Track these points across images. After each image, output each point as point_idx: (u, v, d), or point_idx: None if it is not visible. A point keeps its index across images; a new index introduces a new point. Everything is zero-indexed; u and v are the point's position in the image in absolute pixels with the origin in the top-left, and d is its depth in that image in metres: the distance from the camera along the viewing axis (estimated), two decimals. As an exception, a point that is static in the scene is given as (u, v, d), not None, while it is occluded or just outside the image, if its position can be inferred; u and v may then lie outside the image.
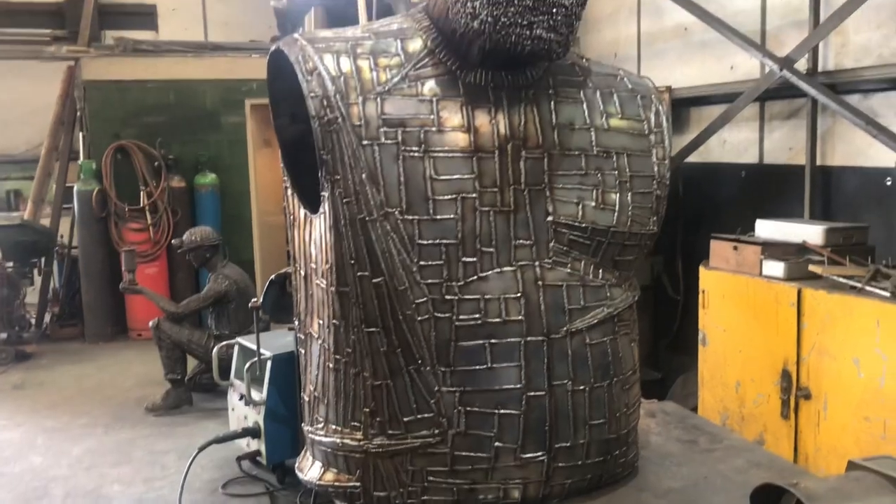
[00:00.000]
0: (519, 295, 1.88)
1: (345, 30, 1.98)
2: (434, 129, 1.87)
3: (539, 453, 1.91)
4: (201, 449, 4.44)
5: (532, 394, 1.89)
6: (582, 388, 1.94)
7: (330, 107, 1.83)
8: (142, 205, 8.25)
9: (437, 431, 1.87)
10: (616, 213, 1.97)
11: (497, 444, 1.88)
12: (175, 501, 4.29)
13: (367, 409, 1.90)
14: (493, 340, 1.87)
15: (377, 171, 1.82)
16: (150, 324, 6.04)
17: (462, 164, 1.87)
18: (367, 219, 1.81)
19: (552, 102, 1.98)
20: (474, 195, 1.87)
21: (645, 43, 6.28)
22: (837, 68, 4.58)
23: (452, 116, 1.89)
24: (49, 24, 10.99)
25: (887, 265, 3.56)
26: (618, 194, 1.99)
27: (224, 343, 5.26)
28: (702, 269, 4.26)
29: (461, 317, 1.86)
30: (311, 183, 1.97)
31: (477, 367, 1.87)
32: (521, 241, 1.90)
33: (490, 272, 1.87)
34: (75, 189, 8.22)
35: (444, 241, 1.85)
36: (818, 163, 4.73)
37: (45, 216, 8.89)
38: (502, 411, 1.87)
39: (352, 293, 1.87)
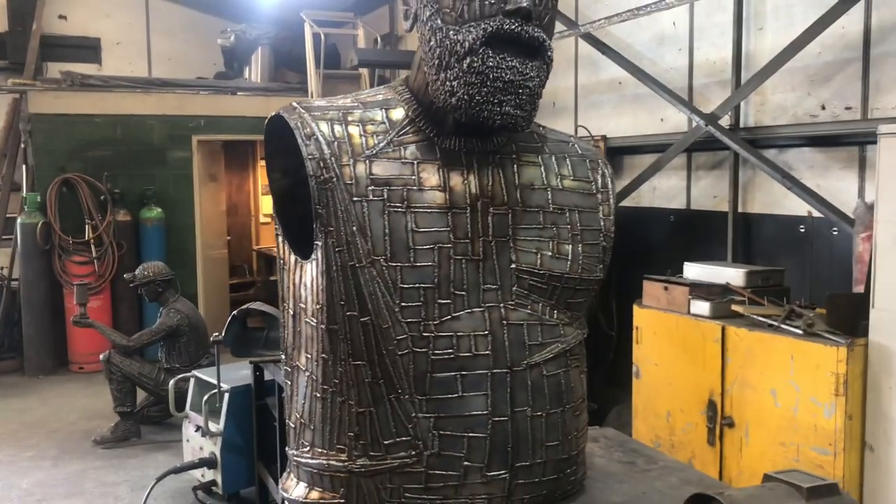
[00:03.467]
0: (486, 333, 2.14)
1: (336, 99, 2.25)
2: (415, 188, 2.13)
3: (502, 471, 2.16)
4: (159, 479, 4.57)
5: (497, 419, 2.14)
6: (539, 414, 2.20)
7: (326, 168, 2.08)
8: (87, 238, 8.31)
9: (413, 453, 2.10)
10: (569, 262, 2.26)
11: (466, 463, 2.12)
12: (135, 530, 4.42)
13: (352, 434, 2.12)
14: (463, 372, 2.12)
15: (366, 224, 2.07)
16: (101, 357, 6.11)
17: (439, 219, 2.13)
18: (356, 265, 2.05)
19: (515, 166, 2.27)
20: (449, 245, 2.12)
21: (582, 94, 6.70)
22: (757, 124, 5.03)
23: (431, 177, 2.15)
24: (-11, 54, 10.96)
25: (800, 305, 3.94)
26: (570, 245, 2.28)
27: (180, 376, 5.41)
28: (635, 308, 4.61)
29: (436, 351, 2.10)
30: (300, 231, 2.21)
31: (449, 396, 2.11)
32: (488, 286, 2.16)
33: (462, 312, 2.12)
34: (18, 221, 8.23)
35: (423, 286, 2.10)
36: (740, 210, 5.15)
37: (-15, 247, 8.84)
38: (471, 434, 2.12)
39: (340, 331, 2.10)
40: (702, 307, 4.15)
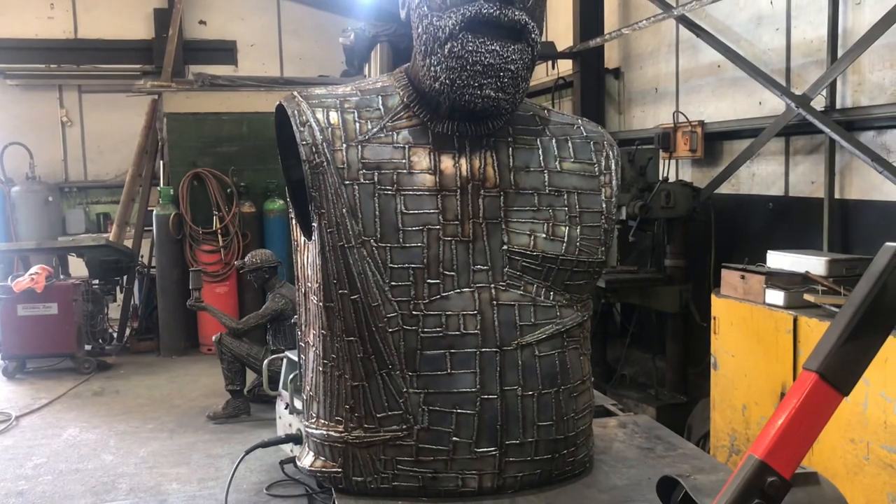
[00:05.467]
0: (475, 312, 2.18)
1: (336, 87, 2.35)
2: (405, 171, 2.20)
3: (491, 448, 2.20)
4: (248, 452, 4.85)
5: (485, 397, 2.18)
6: (530, 393, 2.22)
7: (318, 153, 2.19)
8: (214, 228, 8.86)
9: (404, 427, 2.18)
10: (564, 244, 2.26)
11: (455, 438, 2.18)
12: (224, 499, 4.73)
13: (348, 406, 2.23)
14: (452, 350, 2.18)
15: (356, 206, 2.16)
16: (213, 338, 6.55)
17: (428, 201, 2.20)
18: (346, 246, 2.16)
19: (510, 149, 2.30)
20: (438, 227, 2.19)
21: (682, 79, 6.51)
22: (854, 105, 4.74)
23: (421, 160, 2.22)
24: (139, 60, 11.86)
25: (884, 296, 3.70)
26: (567, 227, 2.28)
27: (274, 356, 5.72)
28: (713, 297, 4.47)
29: (425, 329, 2.17)
30: (308, 214, 2.35)
31: (438, 373, 2.18)
32: (478, 267, 2.21)
33: (451, 292, 2.18)
34: (154, 213, 8.89)
35: (412, 266, 2.17)
36: (836, 196, 4.88)
37: (129, 238, 9.60)
38: (459, 411, 2.17)
39: (335, 308, 2.21)
40: (776, 297, 3.98)
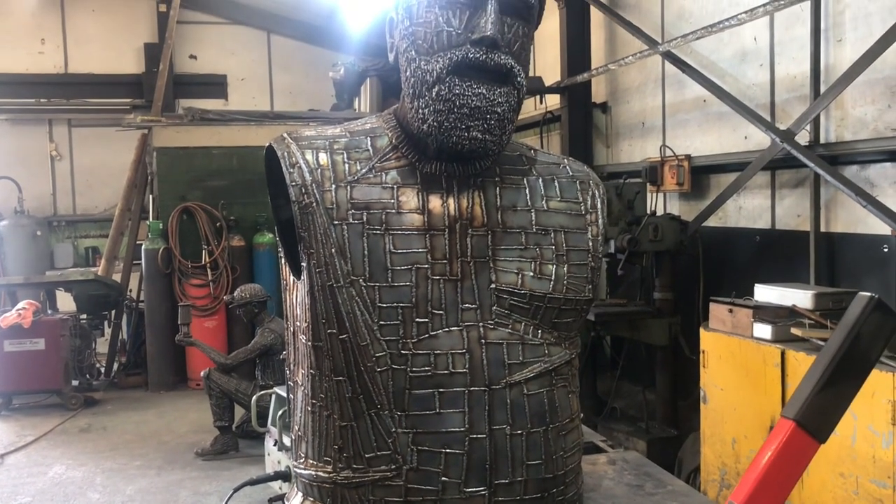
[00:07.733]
0: (464, 351, 2.18)
1: (326, 128, 2.37)
2: (394, 211, 2.21)
3: (481, 488, 2.19)
4: (236, 490, 4.79)
5: (474, 436, 2.17)
6: (519, 432, 2.21)
7: (307, 193, 2.20)
8: (203, 262, 8.84)
9: (393, 467, 2.17)
10: (552, 282, 2.27)
11: (444, 478, 2.16)
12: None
13: (336, 446, 2.22)
14: (441, 389, 2.17)
15: (345, 246, 2.17)
16: (202, 374, 6.50)
17: (416, 240, 2.20)
18: (335, 285, 2.16)
19: (497, 188, 2.31)
20: (427, 266, 2.19)
21: (669, 113, 6.58)
22: (838, 140, 4.81)
23: (410, 200, 2.23)
24: (129, 94, 11.91)
25: (870, 329, 3.72)
26: (554, 266, 2.29)
27: (263, 392, 5.68)
28: (702, 331, 4.49)
29: (414, 369, 2.16)
30: (297, 253, 2.35)
31: (427, 412, 2.17)
32: (467, 305, 2.21)
33: (440, 331, 2.18)
34: (143, 247, 8.86)
35: (401, 305, 2.17)
36: (822, 230, 4.92)
37: (118, 272, 9.57)
38: (448, 450, 2.16)
39: (324, 347, 2.20)
40: (764, 330, 4.01)
